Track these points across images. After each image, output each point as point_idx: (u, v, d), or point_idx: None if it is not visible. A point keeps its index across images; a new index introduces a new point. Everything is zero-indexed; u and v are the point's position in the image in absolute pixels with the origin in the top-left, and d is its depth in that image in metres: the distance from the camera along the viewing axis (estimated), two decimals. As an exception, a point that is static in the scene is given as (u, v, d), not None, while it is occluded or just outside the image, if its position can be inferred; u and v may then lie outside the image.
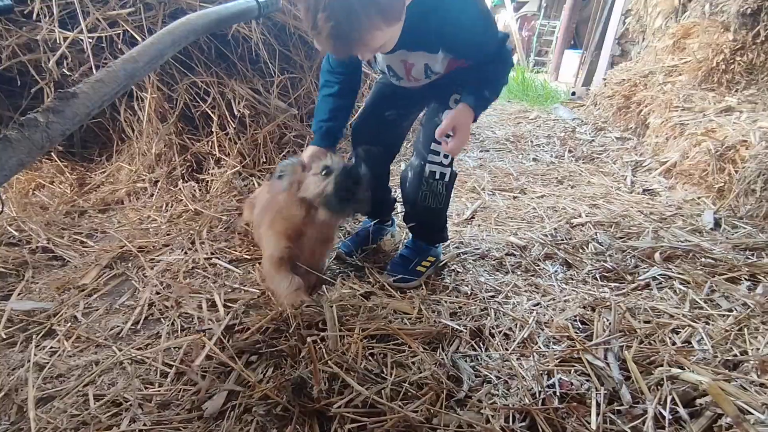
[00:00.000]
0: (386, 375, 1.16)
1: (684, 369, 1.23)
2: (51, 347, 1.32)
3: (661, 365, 1.25)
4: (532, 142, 3.88)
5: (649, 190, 2.73)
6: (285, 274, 1.47)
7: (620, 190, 2.72)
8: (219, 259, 1.81)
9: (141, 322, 1.44)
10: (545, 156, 3.47)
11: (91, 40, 2.30)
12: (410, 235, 1.80)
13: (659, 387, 1.18)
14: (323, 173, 1.40)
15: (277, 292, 1.49)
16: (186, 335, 1.35)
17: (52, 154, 2.60)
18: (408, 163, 1.66)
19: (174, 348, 1.29)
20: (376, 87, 1.77)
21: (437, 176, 1.56)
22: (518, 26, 11.22)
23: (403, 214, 1.81)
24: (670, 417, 1.09)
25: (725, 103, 2.91)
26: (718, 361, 1.28)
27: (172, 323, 1.42)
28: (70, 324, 1.40)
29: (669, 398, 1.13)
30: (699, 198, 2.48)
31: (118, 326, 1.42)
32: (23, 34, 2.35)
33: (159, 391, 1.14)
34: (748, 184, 2.21)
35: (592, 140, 3.90)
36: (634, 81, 4.04)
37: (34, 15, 2.30)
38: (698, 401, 1.15)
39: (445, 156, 1.54)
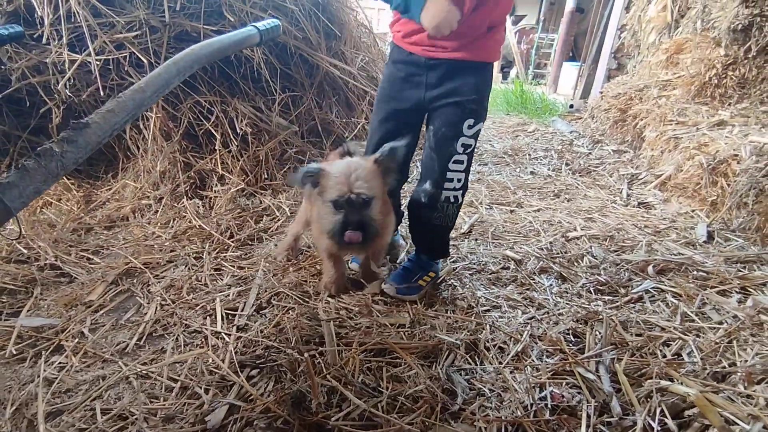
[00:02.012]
0: (383, 388, 1.20)
1: (673, 381, 1.26)
2: (59, 363, 1.36)
3: (651, 377, 1.29)
4: (530, 155, 3.94)
5: (644, 203, 2.77)
6: (329, 266, 1.66)
7: (616, 203, 2.77)
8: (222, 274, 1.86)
9: (146, 337, 1.49)
10: (543, 169, 3.52)
11: (98, 62, 2.39)
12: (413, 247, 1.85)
13: (649, 399, 1.21)
14: (335, 206, 1.41)
15: (323, 273, 1.71)
16: (190, 350, 1.39)
17: (60, 171, 2.67)
18: (421, 189, 1.64)
19: (178, 363, 1.33)
20: (383, 126, 1.68)
21: (451, 200, 1.61)
22: (517, 39, 11.37)
23: (408, 227, 1.86)
24: (659, 428, 1.12)
25: (718, 116, 2.96)
26: (707, 373, 1.31)
27: (177, 339, 1.47)
28: (77, 340, 1.45)
29: (658, 410, 1.17)
30: (693, 211, 2.52)
31: (123, 342, 1.46)
32: (33, 57, 2.44)
33: (164, 405, 1.18)
34: (740, 198, 2.25)
35: (589, 153, 3.95)
36: (629, 95, 4.11)
37: (44, 39, 2.38)
38: (686, 413, 1.18)
39: (458, 180, 1.58)
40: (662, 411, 1.17)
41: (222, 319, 1.53)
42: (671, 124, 3.19)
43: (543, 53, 10.89)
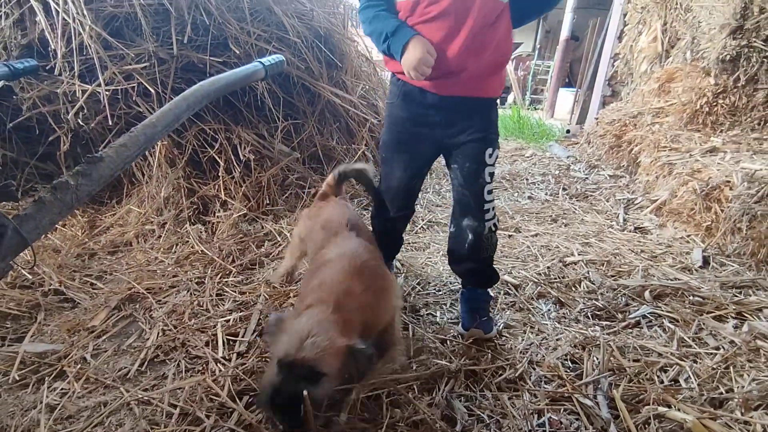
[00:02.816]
0: (382, 417, 1.21)
1: (671, 407, 1.27)
2: (62, 389, 1.37)
3: (649, 404, 1.30)
4: (527, 180, 4.00)
5: (640, 228, 2.80)
6: None
7: (612, 228, 2.80)
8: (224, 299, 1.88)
9: (147, 363, 1.50)
10: (540, 194, 3.57)
11: (107, 92, 2.47)
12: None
13: (647, 426, 1.22)
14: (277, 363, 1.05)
15: None
16: (191, 376, 1.40)
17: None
18: (462, 227, 1.62)
19: (179, 389, 1.34)
20: (404, 177, 1.68)
21: (492, 229, 1.63)
22: (514, 66, 11.64)
23: (452, 268, 1.83)
24: (657, 455, 1.13)
25: (710, 143, 3.03)
26: (704, 399, 1.32)
27: (178, 364, 1.48)
28: (79, 366, 1.46)
29: (656, 436, 1.18)
30: (688, 236, 2.56)
31: (125, 367, 1.47)
32: (44, 87, 2.52)
33: (164, 431, 1.19)
34: (734, 223, 2.29)
35: (586, 178, 4.01)
36: (624, 121, 4.21)
37: (56, 71, 2.47)
38: (684, 439, 1.19)
39: (492, 208, 1.61)
40: (660, 437, 1.17)
41: (223, 345, 1.55)
42: (665, 150, 3.26)
43: (539, 79, 11.14)
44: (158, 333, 1.64)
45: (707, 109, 3.26)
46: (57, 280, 1.94)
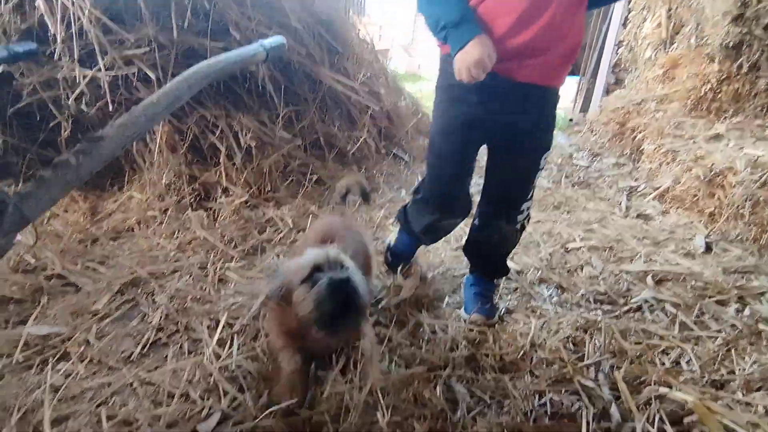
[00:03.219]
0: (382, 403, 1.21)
1: (672, 388, 1.28)
2: (65, 370, 1.38)
3: (650, 385, 1.30)
4: (529, 168, 3.97)
5: (643, 214, 2.79)
6: (285, 353, 1.30)
7: (615, 215, 2.79)
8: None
9: (150, 345, 1.51)
10: (542, 181, 3.54)
11: (108, 78, 2.45)
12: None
13: (648, 406, 1.23)
14: (311, 283, 1.15)
15: (277, 366, 1.31)
16: (193, 356, 1.41)
17: (67, 184, 2.72)
18: (494, 223, 1.58)
19: (180, 370, 1.35)
20: (454, 164, 1.55)
21: (521, 228, 1.63)
22: (516, 55, 11.51)
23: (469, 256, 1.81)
24: (658, 434, 1.14)
25: (714, 130, 3.01)
26: (705, 380, 1.33)
27: (180, 347, 1.49)
28: (83, 347, 1.47)
29: (657, 417, 1.18)
30: (691, 222, 2.55)
31: (128, 350, 1.48)
32: (45, 72, 2.50)
33: (167, 410, 1.20)
34: (737, 209, 2.28)
35: (589, 166, 3.99)
36: (627, 108, 4.17)
37: (56, 55, 2.45)
38: (685, 420, 1.20)
39: (528, 207, 1.58)
40: (661, 418, 1.18)
41: (223, 329, 1.55)
42: (669, 137, 3.24)
43: (542, 68, 11.02)
44: (160, 316, 1.65)
45: (711, 95, 3.23)
46: (59, 264, 1.94)
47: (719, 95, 3.19)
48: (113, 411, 1.22)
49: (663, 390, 1.25)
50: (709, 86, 3.20)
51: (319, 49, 3.13)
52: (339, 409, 1.16)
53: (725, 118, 3.17)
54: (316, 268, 1.16)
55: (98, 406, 1.23)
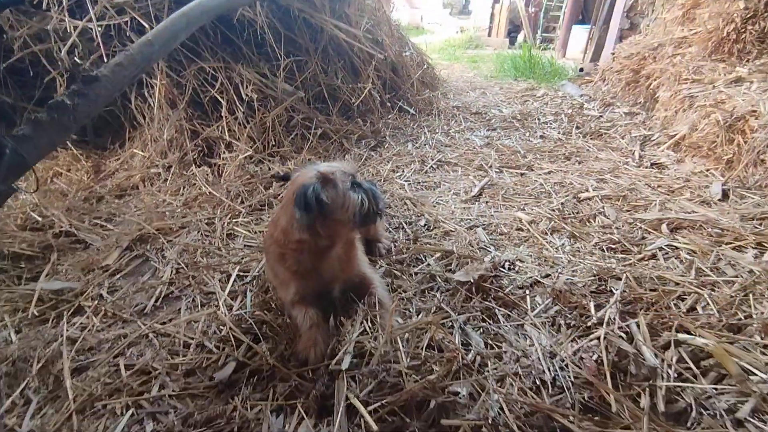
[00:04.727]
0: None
1: (690, 333, 1.26)
2: (81, 323, 1.39)
3: (669, 330, 1.29)
4: (539, 119, 3.86)
5: (657, 163, 2.72)
6: (299, 310, 1.30)
7: (628, 164, 2.72)
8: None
9: (162, 298, 1.51)
10: (553, 133, 3.45)
11: (100, 29, 2.34)
12: None
13: (665, 350, 1.22)
14: (352, 187, 1.25)
15: (295, 326, 1.30)
16: (206, 309, 1.41)
17: (68, 142, 2.66)
18: None
19: (194, 321, 1.35)
20: None
21: None
22: (525, 2, 10.99)
23: None
24: (675, 376, 1.14)
25: (736, 73, 2.87)
26: (722, 325, 1.31)
27: (193, 300, 1.49)
28: (96, 302, 1.47)
29: (675, 358, 1.18)
30: (708, 170, 2.47)
31: (142, 303, 1.48)
32: (34, 24, 2.39)
33: (183, 360, 1.21)
34: (757, 155, 2.20)
35: (600, 116, 3.86)
36: (643, 54, 3.99)
37: (44, 5, 2.33)
38: (703, 363, 1.19)
39: None
40: (681, 359, 1.18)
41: (234, 282, 1.55)
42: (686, 83, 3.10)
43: (552, 16, 10.55)
44: (171, 271, 1.64)
45: (735, 36, 3.05)
46: (66, 222, 1.93)
47: (743, 35, 3.01)
48: (131, 361, 1.23)
49: (682, 336, 1.24)
50: (732, 26, 3.02)
51: (319, -6, 2.96)
52: (360, 357, 1.16)
53: (748, 60, 3.02)
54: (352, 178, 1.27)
55: (116, 356, 1.25)
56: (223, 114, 2.57)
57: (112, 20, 2.36)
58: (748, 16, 3.01)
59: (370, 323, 1.26)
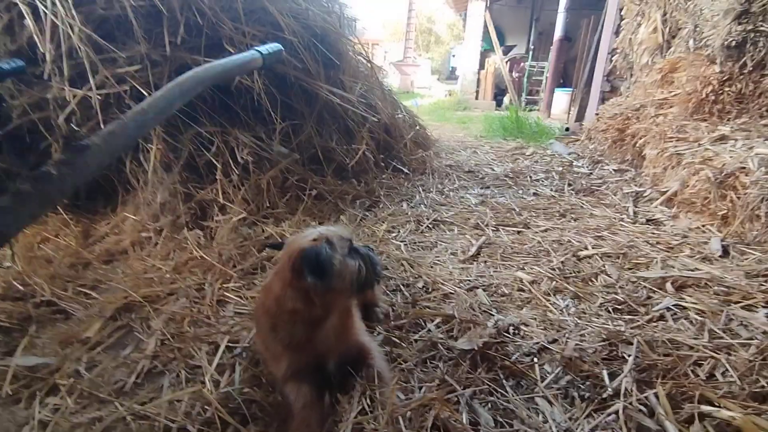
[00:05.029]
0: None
1: (714, 404, 1.18)
2: (54, 404, 1.27)
3: (691, 401, 1.20)
4: (531, 177, 3.92)
5: (652, 219, 2.72)
6: (292, 386, 1.20)
7: (623, 221, 2.72)
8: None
9: (144, 374, 1.40)
10: (545, 190, 3.49)
11: (99, 97, 2.38)
12: None
13: (690, 424, 1.13)
14: (349, 253, 1.19)
15: (287, 404, 1.19)
16: (191, 386, 1.31)
17: (58, 207, 2.62)
18: None
19: (177, 401, 1.24)
20: None
21: None
22: (508, 68, 11.65)
23: None
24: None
25: (719, 132, 2.96)
26: (746, 393, 1.23)
27: (177, 375, 1.38)
28: (72, 379, 1.36)
29: (701, 435, 1.08)
30: (704, 226, 2.47)
31: (121, 380, 1.37)
32: (34, 93, 2.43)
33: (164, 448, 1.09)
34: (752, 211, 2.21)
35: (590, 173, 3.94)
36: (626, 114, 4.15)
37: (45, 74, 2.38)
38: (731, 438, 1.10)
39: None
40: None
41: (223, 353, 1.45)
42: (672, 141, 3.19)
43: (534, 80, 11.14)
44: (156, 343, 1.54)
45: (713, 97, 3.20)
46: (49, 290, 1.84)
47: (722, 97, 3.15)
48: (104, 450, 1.11)
49: (706, 408, 1.15)
50: (710, 88, 3.17)
51: (314, 63, 3.08)
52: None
53: (728, 119, 3.14)
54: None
55: (88, 444, 1.12)
56: (218, 177, 2.56)
57: (112, 89, 2.41)
58: (725, 78, 3.17)
59: (368, 400, 1.16)
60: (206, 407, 1.21)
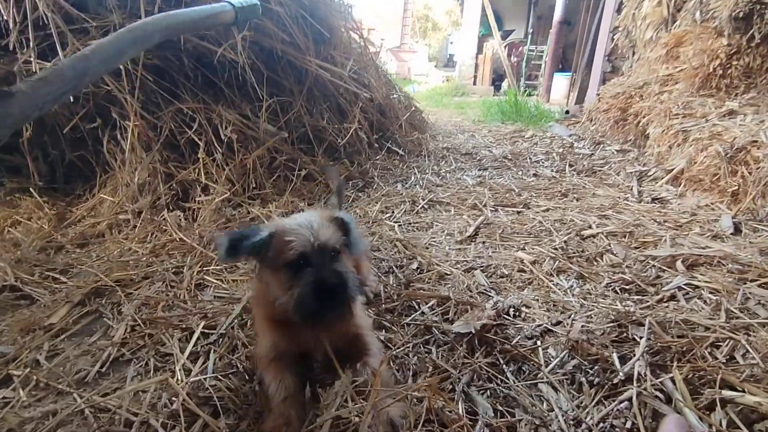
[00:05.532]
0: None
1: (737, 389, 1.06)
2: (4, 397, 1.14)
3: (712, 386, 1.08)
4: (530, 159, 3.78)
5: (658, 198, 2.60)
6: (273, 374, 1.09)
7: (628, 200, 2.59)
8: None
9: (110, 363, 1.28)
10: (546, 171, 3.36)
11: (70, 70, 2.23)
12: None
13: (711, 411, 1.01)
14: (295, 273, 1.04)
15: (266, 396, 1.07)
16: (159, 375, 1.18)
17: (32, 190, 2.48)
18: None
19: (142, 392, 1.11)
20: None
21: None
22: (507, 53, 11.43)
23: None
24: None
25: (727, 107, 2.83)
26: (771, 377, 1.11)
27: (145, 363, 1.26)
28: (29, 369, 1.23)
29: (724, 421, 0.97)
30: (713, 203, 2.35)
31: (84, 369, 1.25)
32: (1, 66, 2.27)
33: (123, 444, 0.97)
34: (765, 186, 2.09)
35: (592, 154, 3.81)
36: (629, 93, 4.01)
37: (11, 46, 2.22)
38: (756, 426, 0.98)
39: None
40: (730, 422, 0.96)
41: (197, 340, 1.32)
42: (677, 118, 3.05)
43: (533, 65, 10.94)
44: (125, 329, 1.42)
45: (721, 71, 3.06)
46: (12, 275, 1.71)
47: (729, 71, 3.01)
48: (56, 447, 0.98)
49: (728, 393, 1.03)
50: (718, 62, 3.03)
51: (303, 36, 2.92)
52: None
53: (736, 94, 3.00)
54: (303, 257, 1.03)
55: (38, 441, 1.00)
56: (200, 156, 2.42)
57: (84, 61, 2.25)
58: (732, 51, 3.03)
59: (350, 397, 1.03)
60: (173, 398, 1.08)
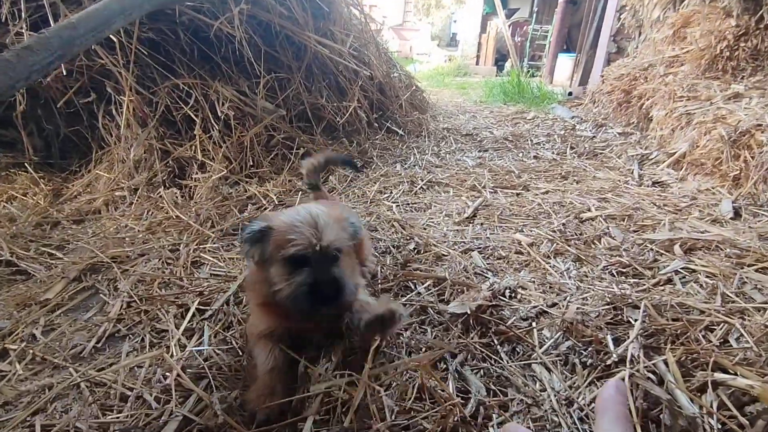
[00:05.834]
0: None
1: (729, 372, 1.07)
2: (1, 370, 1.15)
3: (704, 368, 1.09)
4: (531, 140, 3.74)
5: (658, 182, 2.58)
6: (263, 348, 1.10)
7: (628, 183, 2.57)
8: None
9: (106, 339, 1.28)
10: (547, 153, 3.33)
11: (63, 42, 2.18)
12: None
13: (702, 393, 1.02)
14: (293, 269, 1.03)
15: (253, 366, 1.09)
16: (155, 351, 1.19)
17: (27, 165, 2.46)
18: None
19: (137, 367, 1.12)
20: None
21: None
22: (511, 32, 11.22)
23: None
24: (719, 426, 0.93)
25: (732, 90, 2.78)
26: (763, 361, 1.12)
27: (141, 339, 1.26)
28: (25, 344, 1.24)
29: (715, 404, 0.98)
30: (714, 187, 2.33)
31: (80, 344, 1.25)
32: (-8, 38, 2.22)
33: (118, 417, 0.98)
34: (767, 170, 2.07)
35: (594, 137, 3.77)
36: (633, 75, 3.94)
37: (2, 17, 2.17)
38: (748, 408, 0.99)
39: None
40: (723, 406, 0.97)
41: (192, 316, 1.33)
42: (682, 101, 3.01)
43: (537, 45, 10.74)
44: (122, 305, 1.42)
45: (728, 53, 2.99)
46: (8, 250, 1.70)
47: (736, 53, 2.95)
48: (52, 419, 0.99)
49: (720, 376, 1.04)
50: (725, 43, 2.96)
51: (301, 11, 2.85)
52: (327, 413, 0.94)
53: (743, 77, 2.94)
54: (302, 258, 1.03)
55: (34, 413, 1.01)
56: (196, 132, 2.39)
57: (77, 33, 2.20)
58: (740, 33, 2.97)
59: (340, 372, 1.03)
60: (167, 373, 1.09)
